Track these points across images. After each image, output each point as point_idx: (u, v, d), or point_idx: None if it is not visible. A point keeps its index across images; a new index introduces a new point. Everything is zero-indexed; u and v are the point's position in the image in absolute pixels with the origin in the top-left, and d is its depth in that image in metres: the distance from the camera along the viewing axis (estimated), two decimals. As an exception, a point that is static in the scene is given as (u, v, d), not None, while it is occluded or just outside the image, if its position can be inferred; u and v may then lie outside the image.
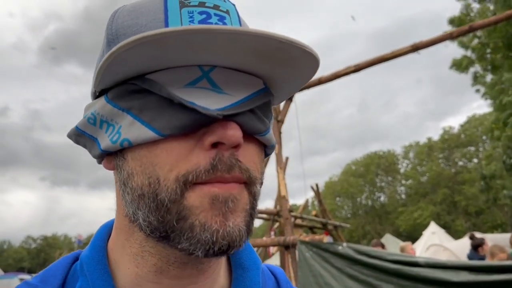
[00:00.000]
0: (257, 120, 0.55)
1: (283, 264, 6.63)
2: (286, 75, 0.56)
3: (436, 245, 10.89)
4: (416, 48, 6.00)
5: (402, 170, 48.25)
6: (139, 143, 0.52)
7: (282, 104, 7.08)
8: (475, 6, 18.51)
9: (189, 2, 0.55)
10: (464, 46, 17.54)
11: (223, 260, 0.65)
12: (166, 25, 0.53)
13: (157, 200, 0.51)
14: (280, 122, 6.97)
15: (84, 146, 0.62)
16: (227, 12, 0.57)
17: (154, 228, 0.52)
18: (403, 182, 47.69)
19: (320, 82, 6.88)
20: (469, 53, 18.05)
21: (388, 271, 4.37)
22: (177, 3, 0.55)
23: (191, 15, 0.54)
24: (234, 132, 0.50)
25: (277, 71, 0.55)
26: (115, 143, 0.54)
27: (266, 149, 0.61)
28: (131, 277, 0.58)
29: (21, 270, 57.36)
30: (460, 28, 6.05)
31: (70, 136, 0.62)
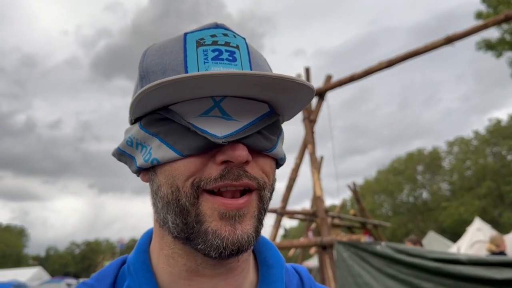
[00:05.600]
0: (263, 140, 0.65)
1: (321, 264, 6.59)
2: (287, 101, 0.65)
3: (481, 241, 10.55)
4: (449, 40, 5.82)
5: (446, 166, 46.83)
6: (165, 162, 0.63)
7: (314, 104, 7.04)
8: None
9: (204, 42, 0.65)
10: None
11: (251, 259, 0.75)
12: (185, 63, 0.64)
13: (180, 205, 0.62)
14: (312, 121, 6.93)
15: (125, 163, 0.74)
16: (237, 47, 0.66)
17: (180, 230, 0.63)
18: (446, 178, 46.29)
19: (353, 79, 6.78)
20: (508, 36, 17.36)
21: (428, 269, 4.28)
22: (194, 43, 0.65)
23: (205, 53, 0.64)
24: (240, 153, 0.60)
25: (279, 97, 0.64)
26: (147, 161, 0.66)
27: (278, 160, 0.71)
28: (166, 276, 0.68)
29: (67, 274, 59.14)
30: (495, 18, 5.83)
31: (114, 154, 0.75)
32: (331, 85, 7.03)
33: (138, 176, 0.73)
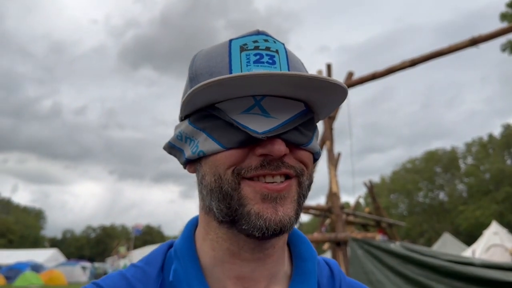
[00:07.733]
0: (299, 135, 0.71)
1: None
2: (322, 99, 0.72)
3: (497, 245, 10.48)
4: (474, 42, 5.76)
5: (463, 168, 46.24)
6: (210, 154, 0.71)
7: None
8: None
9: (247, 47, 0.73)
10: None
11: (286, 251, 0.81)
12: (230, 66, 0.71)
13: (223, 191, 0.69)
14: (332, 118, 6.95)
15: (175, 156, 0.81)
16: (276, 51, 0.73)
17: (225, 214, 0.69)
18: (464, 180, 45.70)
19: (374, 77, 6.77)
20: None
21: (440, 270, 4.30)
22: (238, 48, 0.73)
23: (248, 57, 0.71)
24: (279, 147, 0.66)
25: (314, 96, 0.71)
26: (194, 153, 0.73)
27: (314, 155, 0.77)
28: (210, 260, 0.75)
29: (81, 258, 60.10)
30: (523, 20, 5.75)
31: (165, 148, 0.82)
32: (352, 82, 7.03)
33: (185, 168, 0.79)
